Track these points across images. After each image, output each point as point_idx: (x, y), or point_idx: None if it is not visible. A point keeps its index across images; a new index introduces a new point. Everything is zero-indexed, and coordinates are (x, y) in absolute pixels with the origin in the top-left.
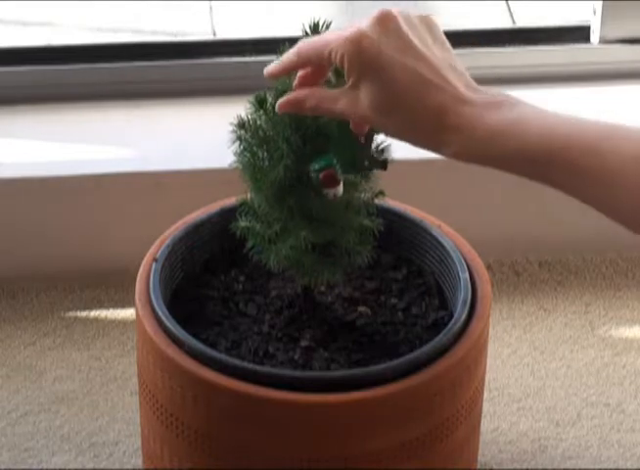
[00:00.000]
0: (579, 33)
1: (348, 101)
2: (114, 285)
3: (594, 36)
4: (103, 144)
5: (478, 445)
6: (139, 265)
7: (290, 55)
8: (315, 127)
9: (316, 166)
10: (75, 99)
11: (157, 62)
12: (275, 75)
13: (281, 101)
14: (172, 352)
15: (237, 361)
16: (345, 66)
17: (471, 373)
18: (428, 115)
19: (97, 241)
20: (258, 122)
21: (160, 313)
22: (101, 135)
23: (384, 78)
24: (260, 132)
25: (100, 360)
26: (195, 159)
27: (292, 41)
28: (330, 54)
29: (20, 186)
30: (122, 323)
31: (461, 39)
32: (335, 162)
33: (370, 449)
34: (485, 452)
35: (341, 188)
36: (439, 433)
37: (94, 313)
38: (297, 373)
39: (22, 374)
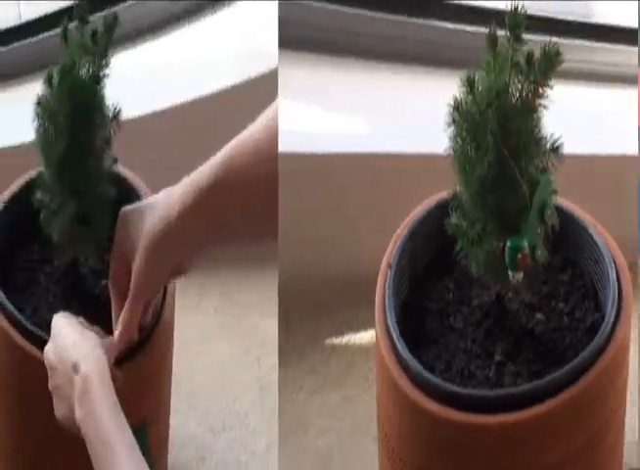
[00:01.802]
0: None
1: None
2: None
3: None
4: None
5: (623, 448)
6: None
7: None
8: (517, 132)
9: (515, 244)
10: None
11: None
12: None
13: None
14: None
15: (463, 391)
16: None
17: (619, 373)
18: None
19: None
20: (468, 106)
21: (394, 338)
22: None
23: None
24: (470, 117)
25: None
26: None
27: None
28: None
29: None
30: None
31: None
32: (527, 244)
33: (546, 464)
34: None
35: (521, 274)
36: (596, 438)
37: None
38: (502, 392)
39: None
